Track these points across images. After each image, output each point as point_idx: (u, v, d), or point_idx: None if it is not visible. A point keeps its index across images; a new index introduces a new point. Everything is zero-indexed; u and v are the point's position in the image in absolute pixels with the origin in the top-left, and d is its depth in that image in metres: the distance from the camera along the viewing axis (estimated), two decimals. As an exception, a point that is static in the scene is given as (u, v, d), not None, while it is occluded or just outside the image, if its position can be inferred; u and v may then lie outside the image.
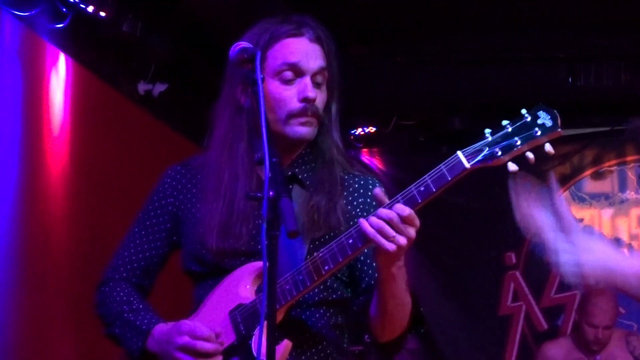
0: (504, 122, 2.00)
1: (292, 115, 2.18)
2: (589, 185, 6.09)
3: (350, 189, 2.28)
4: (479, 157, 1.99)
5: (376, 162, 6.15)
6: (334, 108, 2.28)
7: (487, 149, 2.00)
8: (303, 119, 2.18)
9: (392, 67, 5.36)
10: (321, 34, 2.23)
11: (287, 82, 2.18)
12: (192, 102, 4.75)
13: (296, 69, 2.17)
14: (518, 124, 1.99)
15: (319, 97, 2.20)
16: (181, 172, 2.32)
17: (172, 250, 2.33)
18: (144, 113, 4.57)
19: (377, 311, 2.16)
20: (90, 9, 3.98)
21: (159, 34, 4.43)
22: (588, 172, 6.08)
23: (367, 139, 5.97)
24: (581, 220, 6.01)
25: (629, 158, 6.04)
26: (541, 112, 1.98)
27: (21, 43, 3.70)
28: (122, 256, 2.32)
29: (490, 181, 5.62)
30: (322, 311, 2.24)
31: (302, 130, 2.19)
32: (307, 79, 2.18)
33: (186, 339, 2.10)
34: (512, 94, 5.38)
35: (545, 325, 5.89)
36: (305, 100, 2.16)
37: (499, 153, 1.98)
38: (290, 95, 2.18)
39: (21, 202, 3.67)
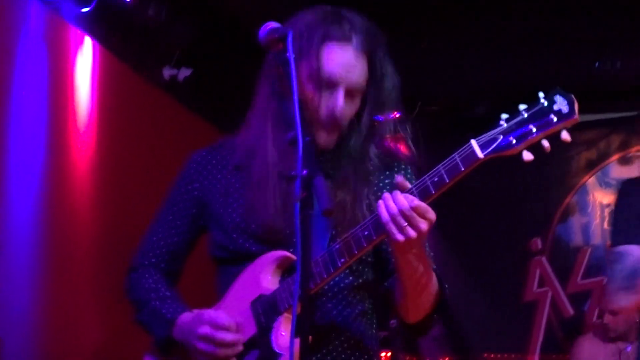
0: (520, 107, 1.92)
1: (318, 122, 2.16)
2: (616, 170, 6.06)
3: (378, 173, 2.27)
4: (493, 146, 1.92)
5: (400, 147, 6.15)
6: (368, 113, 2.23)
7: (502, 137, 1.93)
8: (326, 127, 2.17)
9: (417, 53, 5.33)
10: (369, 41, 2.17)
11: (321, 88, 2.15)
12: (216, 87, 4.76)
13: (333, 80, 2.13)
14: (534, 109, 1.91)
15: (349, 108, 2.18)
16: (207, 158, 2.31)
17: (199, 235, 2.34)
18: (169, 98, 4.58)
19: (399, 294, 2.16)
20: (117, -8, 4.01)
21: (184, 18, 4.41)
22: (615, 157, 6.07)
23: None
24: (608, 205, 6.01)
25: (657, 143, 6.04)
26: (558, 96, 1.89)
27: (47, 27, 3.71)
28: (150, 242, 2.34)
29: (518, 165, 5.76)
30: (349, 298, 2.23)
31: (324, 137, 2.17)
32: (340, 93, 2.15)
33: (207, 328, 2.11)
34: (537, 79, 5.35)
35: (571, 311, 5.90)
36: (332, 115, 2.13)
37: (514, 142, 1.91)
38: (320, 103, 2.15)
39: (47, 187, 3.69)
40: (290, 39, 1.97)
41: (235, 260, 2.22)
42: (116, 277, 2.60)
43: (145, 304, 2.28)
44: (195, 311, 2.20)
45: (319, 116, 2.15)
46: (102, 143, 4.05)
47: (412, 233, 1.94)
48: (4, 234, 3.44)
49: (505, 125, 1.92)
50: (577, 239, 6.07)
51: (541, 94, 1.90)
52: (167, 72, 4.51)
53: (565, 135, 1.89)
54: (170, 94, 4.58)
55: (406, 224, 1.95)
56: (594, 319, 5.60)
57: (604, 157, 6.05)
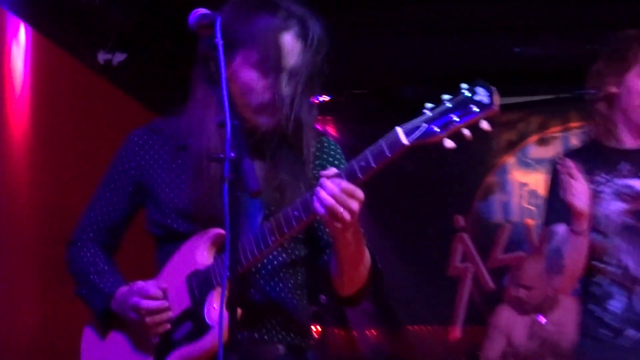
0: (444, 97, 1.94)
1: (262, 106, 2.16)
2: (534, 150, 6.14)
3: (313, 154, 2.30)
4: (417, 134, 1.94)
5: (330, 131, 6.17)
6: (308, 95, 2.24)
7: (426, 125, 1.94)
8: (270, 111, 2.17)
9: (346, 37, 5.23)
10: (309, 28, 2.19)
11: (263, 74, 2.15)
12: (150, 71, 4.73)
13: (274, 65, 2.15)
14: (456, 99, 1.93)
15: (291, 91, 2.19)
16: (143, 137, 2.32)
17: (136, 211, 2.36)
18: (104, 81, 4.53)
19: (335, 270, 2.19)
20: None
21: (118, 3, 4.39)
22: (533, 138, 6.15)
23: (321, 108, 5.96)
24: (526, 184, 6.10)
25: (573, 124, 6.07)
26: (479, 88, 1.92)
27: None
28: (89, 217, 2.35)
29: (442, 147, 5.73)
30: (281, 274, 2.26)
31: (269, 120, 2.18)
32: (282, 76, 2.16)
33: (135, 298, 2.14)
34: (461, 62, 5.43)
35: (492, 285, 5.97)
36: (276, 96, 2.15)
37: (437, 130, 1.93)
38: (263, 87, 2.16)
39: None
40: (218, 25, 1.96)
41: (171, 238, 2.23)
42: (56, 254, 2.59)
43: (84, 277, 2.30)
44: (130, 284, 2.21)
45: (263, 100, 2.16)
46: (38, 127, 4.00)
47: (347, 216, 1.97)
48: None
49: (429, 114, 1.94)
50: (497, 216, 6.13)
51: (464, 85, 1.93)
52: (101, 57, 4.46)
53: (484, 125, 1.92)
54: (105, 77, 4.53)
55: (342, 210, 1.97)
56: (512, 292, 5.59)
57: (523, 137, 6.12)
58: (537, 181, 5.99)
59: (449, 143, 1.93)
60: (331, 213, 1.97)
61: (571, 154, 3.02)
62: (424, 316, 5.99)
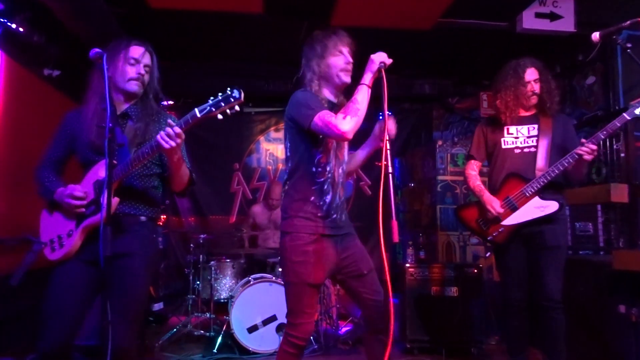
0: (219, 94, 1.88)
1: (131, 79, 2.12)
2: (272, 134, 6.05)
3: (161, 120, 2.23)
4: (204, 112, 1.91)
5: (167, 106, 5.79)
6: (155, 81, 2.20)
7: (208, 107, 1.90)
8: (136, 82, 2.14)
9: (180, 73, 5.12)
10: (150, 49, 2.18)
11: (131, 64, 2.13)
12: (74, 79, 4.50)
13: (137, 60, 2.14)
14: (224, 95, 1.87)
15: (146, 76, 2.16)
16: (73, 114, 2.25)
17: (71, 152, 2.25)
18: (48, 86, 4.27)
19: (170, 176, 2.17)
20: (14, 25, 3.71)
21: (55, 42, 4.16)
22: (272, 127, 6.06)
23: (169, 108, 5.85)
24: (268, 150, 5.95)
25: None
26: (235, 90, 1.88)
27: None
28: (47, 154, 2.27)
29: (229, 125, 5.63)
30: (145, 180, 2.18)
31: (136, 87, 2.15)
32: (141, 65, 2.14)
33: (68, 191, 2.11)
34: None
35: (251, 197, 5.93)
36: (140, 75, 2.15)
37: (213, 110, 1.90)
38: (132, 70, 2.14)
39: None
40: (105, 58, 1.87)
41: (88, 164, 2.17)
42: (19, 176, 2.59)
43: (42, 184, 2.22)
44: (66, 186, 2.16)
45: (132, 76, 2.11)
46: (9, 111, 3.71)
47: (174, 143, 1.96)
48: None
49: (211, 102, 1.90)
50: (254, 164, 6.03)
51: (229, 88, 1.90)
52: (46, 72, 4.23)
53: (237, 107, 1.88)
54: (48, 83, 4.28)
55: (168, 140, 1.95)
56: (261, 199, 5.77)
57: (268, 127, 6.05)
58: (274, 149, 5.97)
59: (219, 116, 1.91)
60: (165, 141, 1.93)
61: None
62: (217, 210, 5.81)
